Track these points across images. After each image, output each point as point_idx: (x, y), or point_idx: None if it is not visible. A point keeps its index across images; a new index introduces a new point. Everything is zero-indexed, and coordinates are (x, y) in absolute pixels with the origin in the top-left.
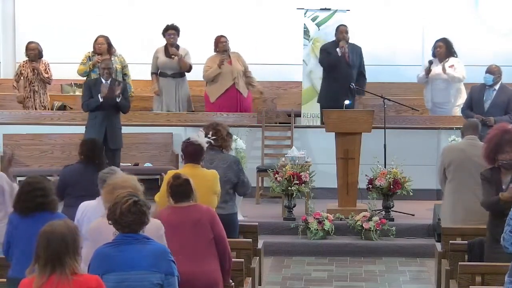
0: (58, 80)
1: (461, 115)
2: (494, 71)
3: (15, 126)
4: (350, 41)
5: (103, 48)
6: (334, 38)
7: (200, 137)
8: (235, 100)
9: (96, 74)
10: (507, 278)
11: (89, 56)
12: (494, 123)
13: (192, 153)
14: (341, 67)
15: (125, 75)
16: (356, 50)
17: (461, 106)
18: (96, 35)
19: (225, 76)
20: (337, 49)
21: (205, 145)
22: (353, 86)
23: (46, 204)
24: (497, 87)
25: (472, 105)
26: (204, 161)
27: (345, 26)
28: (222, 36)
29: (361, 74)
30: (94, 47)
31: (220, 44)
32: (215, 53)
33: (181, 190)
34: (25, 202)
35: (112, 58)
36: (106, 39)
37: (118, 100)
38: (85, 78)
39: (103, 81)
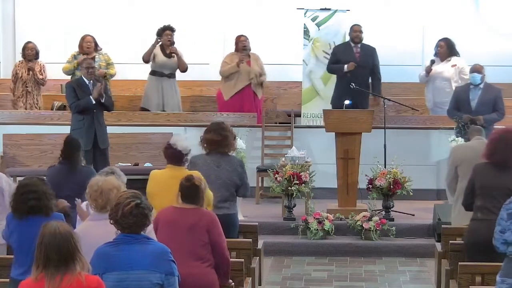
0: (58, 80)
1: None
2: (480, 70)
3: (15, 126)
4: (343, 40)
5: (92, 47)
6: (334, 38)
7: (180, 140)
8: (249, 100)
9: (80, 72)
10: (498, 277)
11: (75, 55)
12: (483, 121)
13: (171, 156)
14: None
15: (107, 72)
16: (369, 51)
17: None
18: (96, 35)
19: (241, 76)
20: (345, 66)
21: (186, 149)
22: (353, 86)
23: (40, 207)
24: (482, 85)
25: (459, 105)
26: (211, 163)
27: (359, 25)
28: (242, 35)
29: (375, 77)
30: (81, 46)
31: (240, 43)
32: (235, 51)
33: (187, 192)
34: (18, 204)
35: (97, 56)
36: (93, 38)
37: (102, 100)
38: (70, 76)
39: (86, 80)
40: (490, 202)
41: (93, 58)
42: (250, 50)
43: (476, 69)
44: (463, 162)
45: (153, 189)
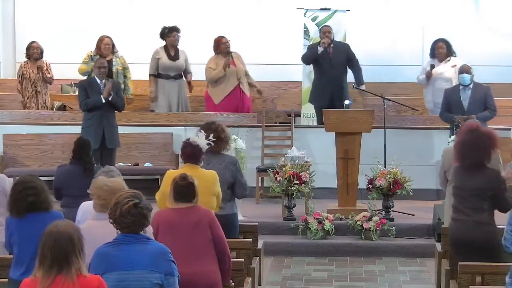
0: (58, 80)
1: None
2: (469, 71)
3: (15, 126)
4: (343, 40)
5: (109, 48)
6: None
7: (200, 138)
8: (238, 100)
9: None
10: (508, 279)
11: (91, 56)
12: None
13: (190, 154)
14: (324, 67)
15: (125, 76)
16: (343, 48)
17: (439, 111)
18: (96, 35)
19: (229, 78)
20: (318, 47)
21: (205, 147)
22: (354, 86)
23: (39, 203)
24: (471, 85)
25: (451, 107)
26: (202, 161)
27: (327, 26)
28: (222, 37)
29: (357, 67)
30: (99, 47)
31: (222, 45)
32: (216, 54)
33: (184, 191)
34: (17, 202)
35: (114, 59)
36: (111, 39)
37: (110, 98)
38: (86, 77)
39: (98, 80)
40: (462, 203)
41: (111, 61)
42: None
43: (465, 69)
44: (450, 167)
45: (168, 189)
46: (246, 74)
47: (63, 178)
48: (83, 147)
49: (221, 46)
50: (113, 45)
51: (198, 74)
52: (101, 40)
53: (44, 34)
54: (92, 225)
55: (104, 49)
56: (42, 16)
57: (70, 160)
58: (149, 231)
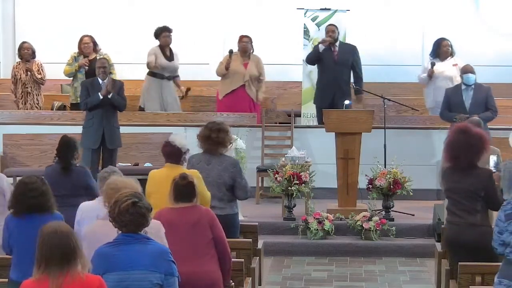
0: (58, 80)
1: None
2: (473, 71)
3: (15, 126)
4: (345, 41)
5: (90, 47)
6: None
7: (179, 138)
8: (246, 102)
9: (82, 74)
10: (496, 278)
11: (75, 57)
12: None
13: (169, 153)
14: (328, 66)
15: (110, 73)
16: (349, 49)
17: (439, 111)
18: (96, 35)
19: (236, 76)
20: (319, 45)
21: (184, 147)
22: (354, 86)
23: (39, 205)
24: (473, 86)
25: (451, 107)
26: (202, 161)
27: (332, 25)
28: (245, 36)
29: (356, 75)
30: (79, 47)
31: (240, 44)
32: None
33: (184, 191)
34: (17, 202)
35: (98, 57)
36: (91, 38)
37: (109, 96)
38: (71, 79)
39: (100, 80)
40: (454, 205)
41: (94, 59)
42: (251, 51)
43: (469, 69)
44: None
45: (151, 188)
46: (259, 82)
47: (50, 178)
48: (65, 146)
49: (240, 43)
50: (94, 43)
51: (198, 74)
52: (80, 40)
53: (44, 34)
54: (101, 224)
55: (84, 48)
56: (42, 16)
57: (54, 160)
58: (161, 232)
